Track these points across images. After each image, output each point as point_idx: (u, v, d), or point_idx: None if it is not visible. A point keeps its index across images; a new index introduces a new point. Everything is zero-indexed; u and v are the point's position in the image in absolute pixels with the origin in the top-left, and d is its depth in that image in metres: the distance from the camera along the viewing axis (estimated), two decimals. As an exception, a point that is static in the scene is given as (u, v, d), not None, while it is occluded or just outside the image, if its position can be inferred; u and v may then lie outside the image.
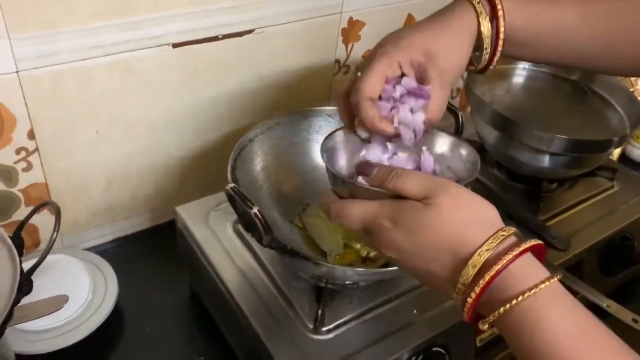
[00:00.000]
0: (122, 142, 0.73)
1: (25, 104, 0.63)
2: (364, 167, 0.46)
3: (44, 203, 0.51)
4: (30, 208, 0.70)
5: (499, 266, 0.38)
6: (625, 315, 0.64)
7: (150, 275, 0.77)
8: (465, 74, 0.85)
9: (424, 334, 0.59)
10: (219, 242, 0.66)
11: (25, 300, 0.47)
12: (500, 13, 0.48)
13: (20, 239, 0.51)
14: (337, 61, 0.87)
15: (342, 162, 0.50)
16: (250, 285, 0.62)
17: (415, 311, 0.61)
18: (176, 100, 0.74)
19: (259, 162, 0.66)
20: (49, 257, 0.70)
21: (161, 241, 0.82)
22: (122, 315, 0.71)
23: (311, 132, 0.70)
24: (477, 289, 0.38)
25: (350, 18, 0.83)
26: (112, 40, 0.64)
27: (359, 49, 0.88)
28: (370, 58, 0.49)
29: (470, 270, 0.39)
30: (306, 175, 0.69)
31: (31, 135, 0.65)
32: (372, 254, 0.63)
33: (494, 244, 0.39)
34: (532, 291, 0.37)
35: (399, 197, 0.42)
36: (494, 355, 0.67)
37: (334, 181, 0.48)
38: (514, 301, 0.37)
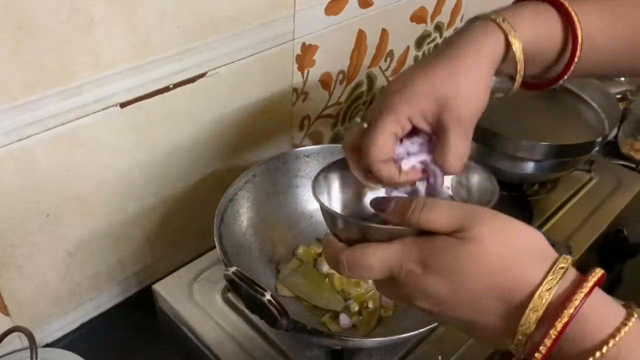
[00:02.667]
0: (77, 221, 0.64)
1: (-41, 202, 0.53)
2: (378, 204, 0.39)
3: (12, 329, 0.42)
4: None
5: (571, 309, 0.31)
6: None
7: (129, 358, 0.69)
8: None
9: (455, 381, 0.55)
10: (210, 317, 0.59)
11: None
12: (574, 18, 0.42)
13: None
14: (295, 90, 0.81)
15: (337, 202, 0.44)
16: (256, 361, 0.55)
17: (440, 357, 0.57)
18: (132, 163, 0.66)
19: (242, 222, 0.60)
20: (14, 367, 0.61)
21: (134, 316, 0.73)
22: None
23: (290, 177, 0.65)
24: (548, 342, 0.32)
25: (303, 43, 0.78)
26: (51, 112, 0.56)
27: (315, 74, 0.83)
28: (377, 111, 0.42)
29: (531, 317, 0.32)
30: (298, 224, 0.63)
31: (-29, 233, 0.56)
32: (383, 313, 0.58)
33: (555, 281, 0.32)
34: (617, 337, 0.31)
35: (423, 233, 0.35)
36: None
37: (333, 223, 0.40)
38: (598, 353, 0.31)
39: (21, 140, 0.55)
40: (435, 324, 0.49)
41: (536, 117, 0.77)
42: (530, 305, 0.32)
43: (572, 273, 0.33)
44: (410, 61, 1.00)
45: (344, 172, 0.44)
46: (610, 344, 0.31)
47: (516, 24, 0.42)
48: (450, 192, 0.45)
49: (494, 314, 0.34)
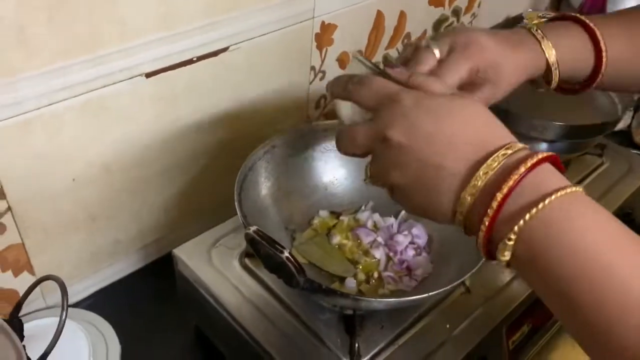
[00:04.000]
0: (100, 186, 0.67)
1: (-8, 162, 0.56)
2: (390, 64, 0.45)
3: (45, 278, 0.45)
4: (8, 274, 0.64)
5: (521, 170, 0.34)
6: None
7: (148, 321, 0.72)
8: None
9: (461, 348, 0.57)
10: (228, 280, 0.61)
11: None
12: (599, 36, 0.52)
13: (19, 322, 0.45)
14: (313, 68, 0.83)
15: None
16: (271, 323, 0.57)
17: (448, 325, 0.59)
18: (155, 133, 0.68)
19: (261, 190, 0.62)
20: (40, 322, 0.64)
21: (152, 282, 0.76)
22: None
23: (308, 149, 0.67)
24: (500, 196, 0.34)
25: (323, 22, 0.79)
26: (80, 79, 0.58)
27: (333, 53, 0.84)
28: (458, 52, 0.49)
29: (486, 170, 0.35)
30: (312, 195, 0.65)
31: (1, 194, 0.58)
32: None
33: (512, 151, 0.35)
34: (559, 193, 0.33)
35: None
36: (524, 356, 0.66)
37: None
38: (541, 204, 0.33)
39: (51, 104, 0.57)
40: (445, 288, 0.50)
41: (551, 99, 0.78)
42: (487, 162, 0.35)
43: (525, 152, 0.36)
44: (426, 45, 1.01)
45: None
46: (540, 206, 0.33)
47: (553, 40, 0.52)
48: None
49: (463, 159, 0.36)
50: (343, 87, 0.43)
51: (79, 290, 0.73)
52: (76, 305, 0.72)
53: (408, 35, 0.95)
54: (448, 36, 0.50)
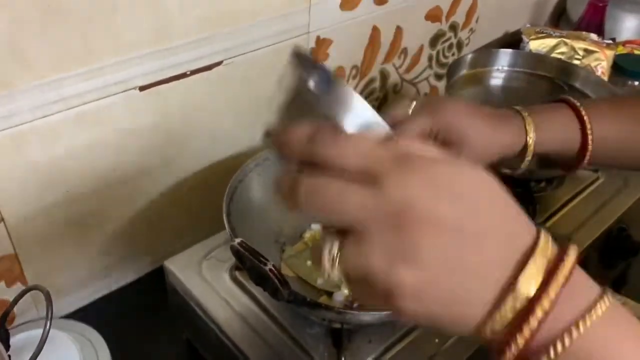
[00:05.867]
0: (94, 198, 0.67)
1: (-15, 173, 0.57)
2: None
3: (30, 288, 0.45)
4: (1, 284, 0.65)
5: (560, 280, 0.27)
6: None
7: (140, 334, 0.72)
8: (444, 83, 0.83)
9: (450, 363, 0.57)
10: (217, 293, 0.62)
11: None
12: (585, 118, 0.56)
13: (5, 332, 0.45)
14: (308, 82, 0.84)
15: None
16: (260, 336, 0.58)
17: (436, 340, 0.58)
18: (149, 146, 0.69)
19: (251, 203, 0.62)
20: (31, 333, 0.64)
21: (145, 295, 0.76)
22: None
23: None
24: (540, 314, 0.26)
25: (318, 37, 0.80)
26: (74, 92, 0.59)
27: (329, 68, 0.85)
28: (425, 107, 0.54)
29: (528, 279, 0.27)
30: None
31: (-6, 205, 0.59)
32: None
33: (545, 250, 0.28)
34: (595, 313, 0.27)
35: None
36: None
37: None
38: (581, 327, 0.27)
39: (45, 117, 0.58)
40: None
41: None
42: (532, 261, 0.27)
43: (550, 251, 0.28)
44: (424, 60, 1.02)
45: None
46: (581, 329, 0.27)
47: (537, 120, 0.56)
48: None
49: (495, 262, 0.27)
50: (302, 150, 0.29)
51: (72, 302, 0.73)
52: (69, 316, 0.73)
53: (405, 51, 0.96)
54: (431, 98, 0.54)
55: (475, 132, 0.54)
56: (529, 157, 0.57)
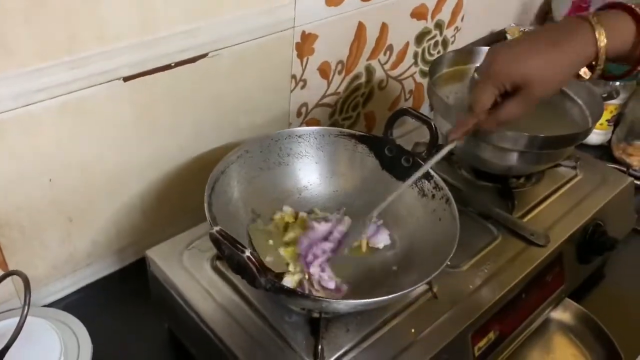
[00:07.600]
0: (77, 187, 0.68)
1: (-33, 160, 0.57)
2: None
3: (9, 273, 0.46)
4: None
5: None
6: None
7: (123, 323, 0.72)
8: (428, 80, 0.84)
9: (426, 352, 0.58)
10: (198, 283, 0.62)
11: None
12: None
13: (-17, 316, 0.46)
14: (294, 76, 0.85)
15: None
16: (239, 325, 0.58)
17: (413, 330, 0.59)
18: (133, 136, 0.69)
19: (233, 193, 0.63)
20: (11, 321, 0.64)
21: (128, 284, 0.77)
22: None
23: (282, 155, 0.68)
24: None
25: (303, 32, 0.81)
26: (58, 81, 0.59)
27: (314, 63, 0.86)
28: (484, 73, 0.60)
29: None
30: (286, 200, 0.66)
31: (-23, 193, 0.59)
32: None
33: None
34: None
35: None
36: (491, 363, 0.67)
37: None
38: None
39: (28, 105, 0.58)
40: (408, 290, 0.51)
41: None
42: None
43: None
44: (409, 56, 1.03)
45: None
46: None
47: (605, 26, 0.57)
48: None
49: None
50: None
51: (56, 290, 0.74)
52: (52, 305, 0.73)
53: (390, 47, 0.97)
54: (481, 66, 0.61)
55: (537, 70, 0.57)
56: (600, 65, 0.58)
